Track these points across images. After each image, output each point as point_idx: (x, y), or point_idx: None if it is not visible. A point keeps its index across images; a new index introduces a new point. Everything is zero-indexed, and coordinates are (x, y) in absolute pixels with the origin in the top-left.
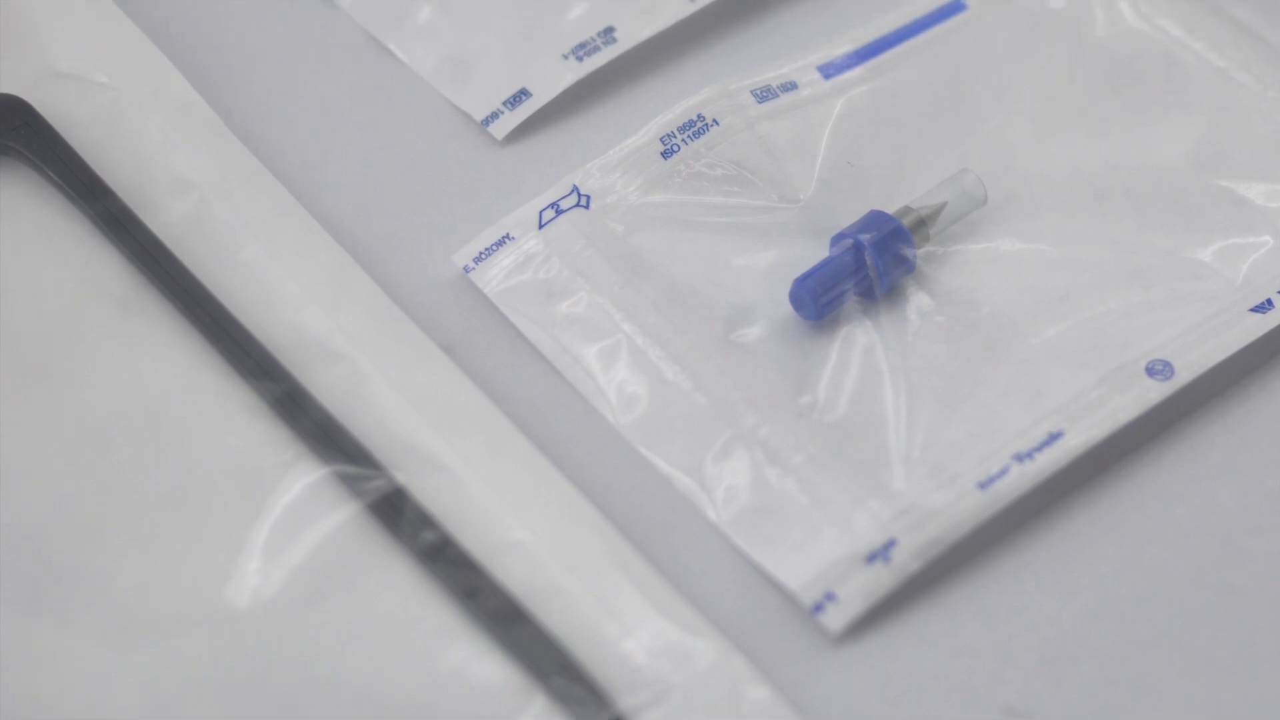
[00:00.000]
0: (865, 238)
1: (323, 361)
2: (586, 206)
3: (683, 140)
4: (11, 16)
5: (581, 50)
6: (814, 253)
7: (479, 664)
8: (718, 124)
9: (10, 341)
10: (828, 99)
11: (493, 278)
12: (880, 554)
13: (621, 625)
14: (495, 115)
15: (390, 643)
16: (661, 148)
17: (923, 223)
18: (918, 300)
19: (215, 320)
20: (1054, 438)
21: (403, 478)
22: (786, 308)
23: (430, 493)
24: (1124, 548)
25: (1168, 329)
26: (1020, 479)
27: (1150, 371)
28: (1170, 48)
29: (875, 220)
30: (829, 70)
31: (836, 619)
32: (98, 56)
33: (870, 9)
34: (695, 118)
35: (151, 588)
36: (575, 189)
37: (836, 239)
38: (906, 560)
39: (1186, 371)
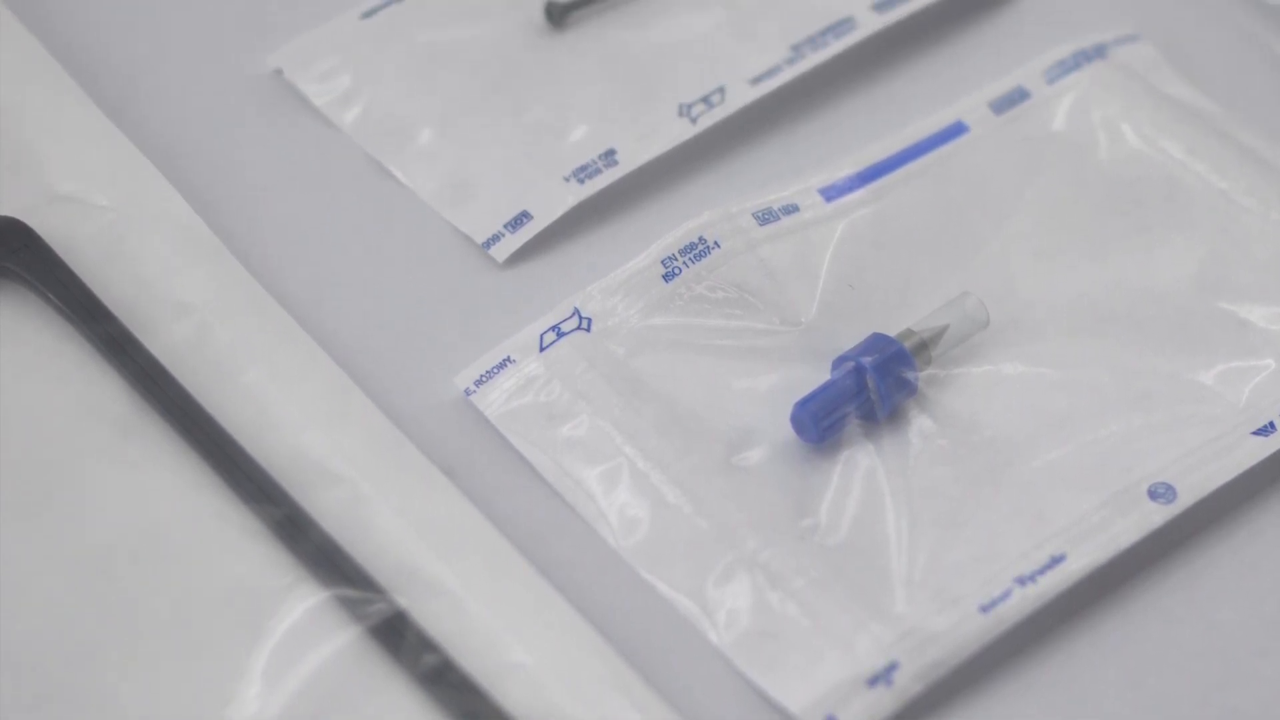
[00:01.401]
0: (867, 360)
1: (323, 485)
2: (588, 329)
3: (684, 263)
4: (12, 139)
5: (582, 172)
6: (815, 376)
7: None
8: (719, 246)
9: (10, 464)
10: (829, 221)
11: (494, 400)
12: (882, 677)
13: None
14: (496, 238)
15: None
16: (663, 270)
17: (925, 345)
18: (920, 423)
19: (216, 443)
20: (1056, 561)
21: (404, 601)
22: (788, 431)
23: (431, 616)
24: (1127, 671)
25: (1170, 452)
26: (1022, 602)
27: (1152, 494)
28: (1173, 170)
29: (877, 343)
30: (830, 193)
31: None
32: (98, 179)
33: (871, 131)
34: (696, 240)
35: (153, 711)
36: (576, 311)
37: (838, 362)
38: (908, 683)
39: (1189, 495)
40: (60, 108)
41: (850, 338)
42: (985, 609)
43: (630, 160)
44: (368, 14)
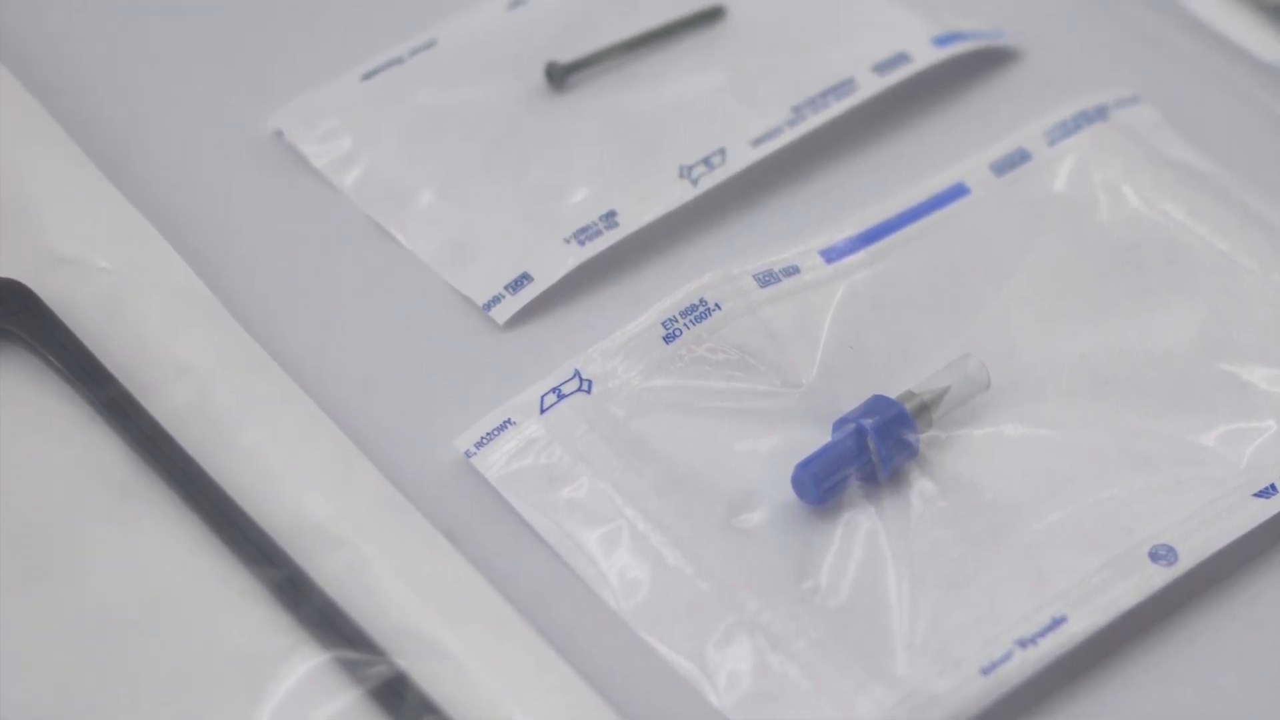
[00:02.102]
0: (868, 422)
1: (324, 547)
2: (588, 391)
3: (685, 324)
4: (12, 200)
5: (583, 234)
6: (816, 437)
7: None
8: (719, 308)
9: (10, 527)
10: (830, 283)
11: (494, 463)
12: None
13: None
14: (497, 299)
15: None
16: (663, 332)
17: (926, 407)
18: (921, 485)
19: (216, 506)
20: (1057, 623)
21: (404, 664)
22: (789, 492)
23: (432, 679)
24: None
25: (1171, 514)
26: (1023, 664)
27: (1154, 557)
28: (1174, 232)
29: (878, 405)
30: (831, 254)
31: None
32: (98, 241)
33: (872, 192)
34: (697, 302)
35: None
36: (577, 373)
37: (839, 424)
38: None
39: (1190, 557)
40: (60, 169)
41: (851, 399)
42: (986, 671)
43: (631, 222)
44: (368, 75)
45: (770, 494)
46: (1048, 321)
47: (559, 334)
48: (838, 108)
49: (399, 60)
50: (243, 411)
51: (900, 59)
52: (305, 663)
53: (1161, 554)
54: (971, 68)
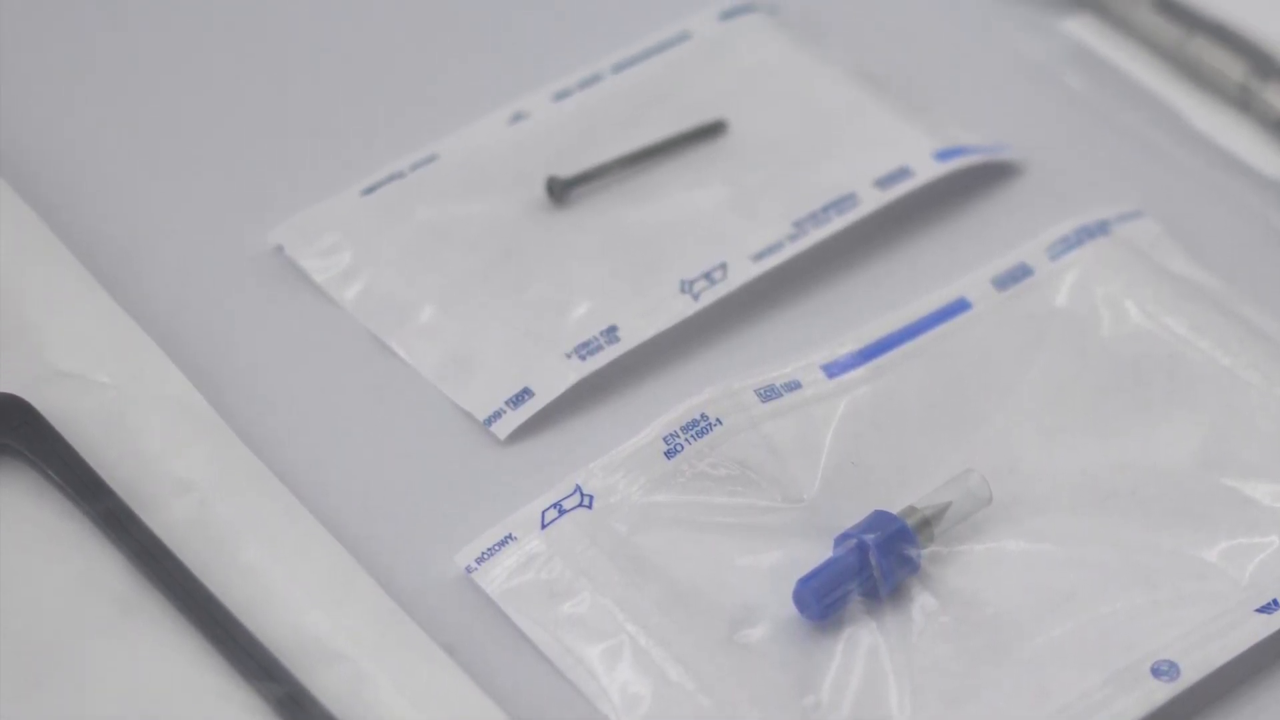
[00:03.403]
0: (869, 538)
1: (325, 663)
2: (589, 506)
3: (686, 440)
4: (12, 314)
5: (584, 349)
6: (818, 553)
7: None
8: (721, 423)
9: (10, 642)
10: (831, 398)
11: (495, 578)
12: None
13: None
14: (498, 414)
15: None
16: (665, 447)
17: (927, 523)
18: (922, 600)
19: (216, 621)
20: None
21: None
22: (790, 608)
23: None
24: None
25: (1173, 629)
26: None
27: (1156, 672)
28: (1176, 346)
29: (879, 520)
30: (833, 369)
31: None
32: (98, 355)
33: (874, 307)
34: (698, 417)
35: None
36: (578, 489)
37: (840, 539)
38: None
39: (1192, 672)
40: (61, 284)
41: (853, 515)
42: None
43: (632, 337)
44: (368, 190)
45: (772, 609)
46: (1050, 436)
47: (560, 449)
48: (839, 222)
49: (399, 175)
50: (243, 527)
51: (902, 173)
52: None
53: (1164, 669)
54: (973, 181)
